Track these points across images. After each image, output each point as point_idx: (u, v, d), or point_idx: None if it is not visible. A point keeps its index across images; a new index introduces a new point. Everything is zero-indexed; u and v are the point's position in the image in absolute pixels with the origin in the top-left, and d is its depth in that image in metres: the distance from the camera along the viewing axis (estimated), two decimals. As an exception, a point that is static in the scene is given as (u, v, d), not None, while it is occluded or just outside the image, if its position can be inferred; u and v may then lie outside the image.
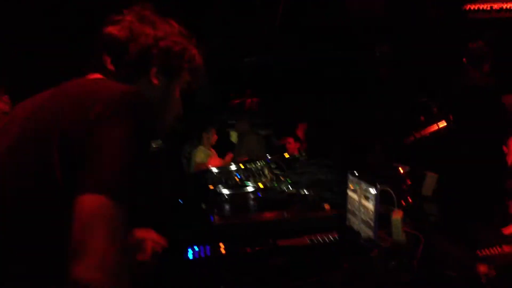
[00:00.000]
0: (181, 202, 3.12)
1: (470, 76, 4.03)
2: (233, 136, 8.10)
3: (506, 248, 2.24)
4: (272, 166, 3.66)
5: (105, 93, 1.17)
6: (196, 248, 2.17)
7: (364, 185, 2.22)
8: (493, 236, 2.62)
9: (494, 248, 2.23)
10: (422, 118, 4.88)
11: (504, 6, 5.86)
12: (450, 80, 4.38)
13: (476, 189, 3.40)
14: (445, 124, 4.15)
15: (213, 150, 5.97)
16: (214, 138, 6.00)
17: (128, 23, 1.38)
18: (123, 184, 1.06)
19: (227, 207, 2.78)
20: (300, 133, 7.07)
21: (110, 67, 1.38)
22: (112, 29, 1.38)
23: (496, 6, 5.88)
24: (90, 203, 1.02)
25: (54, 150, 1.10)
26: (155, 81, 1.40)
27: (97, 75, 1.37)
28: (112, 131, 1.09)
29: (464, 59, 4.08)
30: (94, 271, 0.97)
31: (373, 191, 2.10)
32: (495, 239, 2.42)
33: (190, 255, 2.11)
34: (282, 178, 3.31)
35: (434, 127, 4.22)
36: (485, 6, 5.91)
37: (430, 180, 2.75)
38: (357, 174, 2.37)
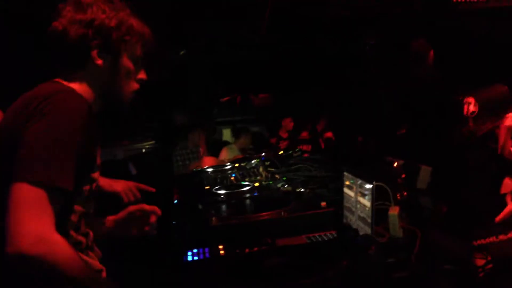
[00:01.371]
0: (176, 203, 3.12)
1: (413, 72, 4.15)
2: (225, 134, 8.11)
3: (501, 237, 2.27)
4: (267, 164, 3.67)
5: (39, 94, 1.34)
6: (195, 250, 2.17)
7: (360, 181, 2.24)
8: (488, 227, 2.65)
9: (489, 238, 2.26)
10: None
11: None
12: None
13: (472, 181, 3.43)
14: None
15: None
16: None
17: (63, 15, 1.45)
18: (43, 170, 1.24)
19: (224, 207, 2.78)
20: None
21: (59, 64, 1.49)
22: (51, 26, 1.46)
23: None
24: (15, 191, 1.22)
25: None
26: (100, 62, 1.47)
27: (57, 79, 1.48)
28: (35, 126, 1.28)
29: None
30: (19, 248, 1.16)
31: (369, 187, 2.11)
32: (489, 229, 2.45)
33: (189, 257, 2.11)
34: (277, 176, 3.32)
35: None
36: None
37: (424, 173, 2.76)
38: (352, 170, 2.38)
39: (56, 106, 1.31)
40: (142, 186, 2.24)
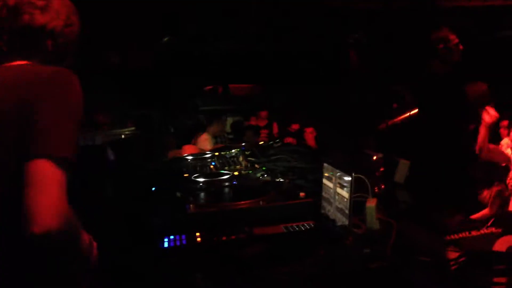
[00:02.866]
0: (154, 189, 3.10)
1: (430, 65, 4.07)
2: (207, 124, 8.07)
3: (474, 233, 2.31)
4: (247, 153, 3.67)
5: (40, 76, 1.37)
6: (171, 237, 2.16)
7: (339, 173, 2.25)
8: (462, 221, 2.70)
9: (463, 233, 2.30)
10: (394, 105, 4.95)
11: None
12: (416, 69, 4.44)
13: (446, 176, 3.48)
14: (416, 111, 4.22)
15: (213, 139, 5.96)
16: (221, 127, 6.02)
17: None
18: (65, 146, 1.28)
19: (202, 195, 2.77)
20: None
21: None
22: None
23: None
24: (37, 167, 1.23)
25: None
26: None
27: (22, 62, 1.48)
28: (49, 106, 1.31)
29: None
30: (49, 226, 1.18)
31: (347, 178, 2.12)
32: (464, 224, 2.49)
33: (165, 244, 2.10)
34: (256, 166, 3.32)
35: (406, 115, 4.29)
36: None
37: (403, 167, 2.79)
38: (332, 162, 2.39)
39: (64, 86, 1.36)
40: None
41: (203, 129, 6.63)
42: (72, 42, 1.56)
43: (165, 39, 6.69)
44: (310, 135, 6.71)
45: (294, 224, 2.34)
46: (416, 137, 3.83)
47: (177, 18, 6.32)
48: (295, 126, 7.29)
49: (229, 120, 8.45)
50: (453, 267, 1.77)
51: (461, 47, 4.00)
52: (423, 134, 3.78)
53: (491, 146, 4.31)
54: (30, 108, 1.29)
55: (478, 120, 3.84)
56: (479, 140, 4.06)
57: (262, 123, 7.43)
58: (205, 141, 5.65)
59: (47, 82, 1.34)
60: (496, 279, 1.71)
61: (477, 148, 4.00)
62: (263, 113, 7.46)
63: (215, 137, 6.72)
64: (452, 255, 1.98)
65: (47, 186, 1.21)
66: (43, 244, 1.20)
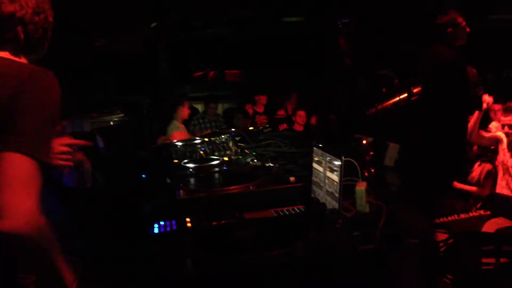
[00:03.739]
0: (144, 176, 3.09)
1: (434, 49, 3.99)
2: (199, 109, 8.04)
3: (463, 215, 2.33)
4: (237, 139, 3.65)
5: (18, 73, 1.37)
6: (162, 222, 2.16)
7: (328, 157, 2.25)
8: (452, 205, 2.72)
9: (452, 216, 2.32)
10: (383, 90, 4.96)
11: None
12: (416, 54, 4.39)
13: (436, 160, 3.50)
14: (406, 95, 4.22)
15: (182, 125, 5.90)
16: (186, 111, 5.88)
17: None
18: (38, 145, 1.28)
19: (192, 181, 2.76)
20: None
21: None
22: None
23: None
24: (10, 162, 1.24)
25: None
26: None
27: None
28: (27, 102, 1.32)
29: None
30: (18, 227, 1.20)
31: (337, 162, 2.12)
32: (453, 208, 2.51)
33: (156, 229, 2.10)
34: (246, 151, 3.31)
35: (395, 99, 4.30)
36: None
37: (392, 150, 2.80)
38: (322, 146, 2.39)
39: (41, 84, 1.37)
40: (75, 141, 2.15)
41: (192, 115, 6.60)
42: (44, 30, 1.55)
43: (153, 24, 6.62)
44: (300, 119, 6.71)
45: (284, 209, 2.34)
46: (408, 120, 3.83)
47: (165, 3, 6.25)
48: (281, 113, 7.29)
49: (222, 106, 8.42)
50: (441, 249, 1.78)
51: (468, 29, 3.91)
52: (421, 117, 3.76)
53: (481, 131, 4.36)
54: (11, 104, 1.30)
55: (479, 107, 3.84)
56: (470, 124, 4.09)
57: (261, 109, 7.40)
58: (176, 129, 5.58)
59: (29, 81, 1.35)
60: (484, 260, 1.73)
61: (468, 132, 4.03)
62: (263, 99, 7.41)
63: (209, 122, 6.70)
64: (441, 237, 1.99)
65: (24, 187, 1.23)
66: (10, 239, 1.22)
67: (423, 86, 4.12)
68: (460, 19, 3.90)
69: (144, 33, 6.62)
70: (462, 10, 4.01)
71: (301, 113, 6.81)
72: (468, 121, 3.95)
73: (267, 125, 4.01)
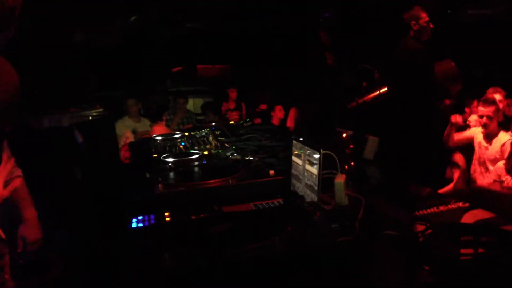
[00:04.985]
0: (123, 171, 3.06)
1: (403, 42, 4.14)
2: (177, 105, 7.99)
3: (442, 208, 2.34)
4: (217, 133, 3.64)
5: None
6: (140, 217, 2.13)
7: (308, 150, 2.24)
8: (430, 197, 2.74)
9: (431, 208, 2.33)
10: (364, 84, 4.98)
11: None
12: (389, 46, 4.46)
13: (414, 152, 3.52)
14: (386, 89, 4.24)
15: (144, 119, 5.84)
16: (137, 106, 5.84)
17: None
18: None
19: (171, 175, 2.73)
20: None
21: None
22: None
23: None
24: None
25: None
26: None
27: None
28: None
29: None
30: None
31: (316, 155, 2.12)
32: (432, 199, 2.52)
33: (133, 222, 2.07)
34: (227, 145, 3.29)
35: (376, 93, 4.32)
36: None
37: (372, 143, 2.81)
38: (301, 140, 2.38)
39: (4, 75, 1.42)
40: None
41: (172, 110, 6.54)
42: (10, 8, 1.50)
43: (132, 18, 6.54)
44: (278, 113, 6.70)
45: (264, 202, 2.33)
46: (386, 113, 3.86)
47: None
48: (263, 107, 7.27)
49: (200, 102, 8.37)
50: (420, 239, 1.79)
51: (431, 25, 4.09)
52: (393, 110, 3.82)
53: (455, 134, 4.44)
54: None
55: (446, 96, 3.91)
56: (445, 132, 4.20)
57: (232, 105, 7.38)
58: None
59: None
60: (463, 251, 1.74)
61: (443, 139, 4.12)
62: (233, 95, 7.39)
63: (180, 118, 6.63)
64: (420, 228, 2.00)
65: None
66: None
67: (392, 77, 4.25)
68: (423, 15, 4.10)
69: (123, 27, 6.54)
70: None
71: (280, 107, 6.81)
72: (438, 111, 4.04)
73: (248, 119, 4.00)
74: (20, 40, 1.67)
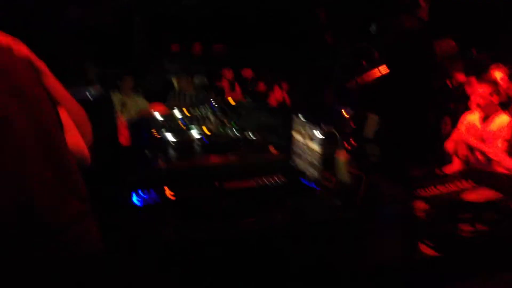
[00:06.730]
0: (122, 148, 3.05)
1: (401, 20, 4.02)
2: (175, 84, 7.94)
3: (441, 188, 2.36)
4: (217, 111, 3.62)
5: None
6: (140, 192, 2.13)
7: (309, 127, 2.24)
8: (429, 176, 2.76)
9: (430, 188, 2.35)
10: (363, 63, 4.93)
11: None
12: (385, 24, 4.39)
13: (414, 131, 3.52)
14: (387, 69, 4.21)
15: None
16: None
17: None
18: None
19: (172, 152, 2.74)
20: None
21: None
22: None
23: None
24: None
25: None
26: None
27: None
28: None
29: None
30: None
31: (318, 133, 2.12)
32: (430, 179, 2.54)
33: (135, 199, 2.07)
34: (227, 123, 3.28)
35: (376, 73, 4.28)
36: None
37: (372, 121, 2.81)
38: (302, 117, 2.38)
39: None
40: None
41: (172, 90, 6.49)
42: None
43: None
44: (277, 93, 6.66)
45: (261, 177, 2.33)
46: (386, 91, 3.84)
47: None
48: (260, 87, 7.21)
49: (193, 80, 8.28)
50: (419, 216, 1.81)
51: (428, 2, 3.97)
52: (392, 88, 3.79)
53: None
54: None
55: (446, 76, 3.88)
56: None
57: (227, 85, 7.31)
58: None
59: None
60: (462, 227, 1.76)
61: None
62: (228, 75, 7.31)
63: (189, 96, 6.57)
64: (420, 206, 2.02)
65: None
66: None
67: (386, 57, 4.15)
68: None
69: (118, 4, 6.47)
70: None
71: (277, 87, 6.75)
72: (438, 90, 4.01)
73: (247, 97, 3.98)
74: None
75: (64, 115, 1.32)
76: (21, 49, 1.31)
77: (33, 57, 1.32)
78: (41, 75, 1.32)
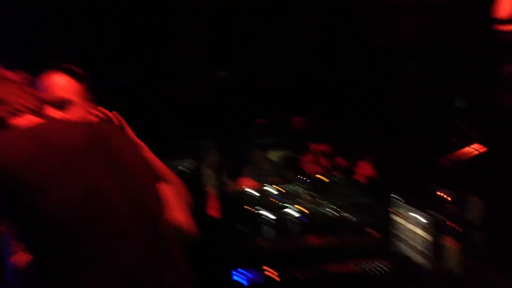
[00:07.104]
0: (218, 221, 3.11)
1: (498, 95, 3.88)
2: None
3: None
4: (306, 187, 3.62)
5: None
6: (243, 271, 2.15)
7: (412, 211, 2.20)
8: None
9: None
10: (454, 139, 4.80)
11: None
12: (476, 101, 4.27)
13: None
14: (484, 147, 4.06)
15: None
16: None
17: None
18: None
19: (271, 230, 2.75)
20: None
21: None
22: None
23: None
24: None
25: None
26: None
27: None
28: None
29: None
30: None
31: (422, 217, 2.07)
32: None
33: (238, 278, 2.10)
34: (320, 201, 3.28)
35: (471, 151, 4.15)
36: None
37: (475, 205, 2.70)
38: (403, 198, 2.35)
39: None
40: None
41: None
42: None
43: (219, 72, 6.80)
44: (367, 167, 6.56)
45: (362, 261, 2.30)
46: (486, 172, 3.68)
47: (229, 52, 6.42)
48: (343, 162, 7.13)
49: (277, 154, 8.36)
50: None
51: None
52: (493, 169, 3.62)
53: None
54: None
55: None
56: None
57: (314, 159, 7.32)
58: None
59: None
60: None
61: None
62: (314, 148, 7.34)
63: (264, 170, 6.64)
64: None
65: None
66: None
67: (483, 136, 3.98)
68: None
69: (208, 82, 6.80)
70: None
71: (364, 163, 6.66)
72: None
73: (337, 174, 3.97)
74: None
75: (165, 190, 1.32)
76: (125, 127, 1.42)
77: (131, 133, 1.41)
78: (142, 149, 1.37)
